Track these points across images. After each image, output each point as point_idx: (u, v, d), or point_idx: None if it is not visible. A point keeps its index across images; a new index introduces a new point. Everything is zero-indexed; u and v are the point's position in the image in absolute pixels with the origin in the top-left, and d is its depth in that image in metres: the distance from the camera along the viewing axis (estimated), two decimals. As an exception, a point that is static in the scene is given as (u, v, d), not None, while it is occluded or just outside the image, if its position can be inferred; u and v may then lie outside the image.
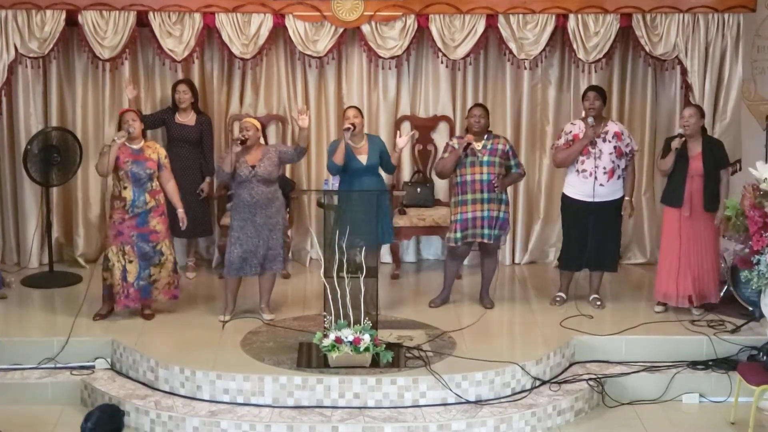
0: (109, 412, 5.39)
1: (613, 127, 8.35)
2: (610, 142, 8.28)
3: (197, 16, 8.82)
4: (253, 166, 7.92)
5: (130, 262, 7.99)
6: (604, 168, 8.26)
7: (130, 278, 8.00)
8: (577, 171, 8.32)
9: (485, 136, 8.27)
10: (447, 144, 8.43)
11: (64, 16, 8.72)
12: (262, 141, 8.10)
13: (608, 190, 8.29)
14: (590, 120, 8.26)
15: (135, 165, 7.93)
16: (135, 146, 7.98)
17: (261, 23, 8.86)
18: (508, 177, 8.34)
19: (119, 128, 8.01)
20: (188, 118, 9.00)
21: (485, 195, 8.21)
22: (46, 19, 8.71)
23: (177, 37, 8.84)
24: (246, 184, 7.93)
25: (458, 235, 8.27)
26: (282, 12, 8.83)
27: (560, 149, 8.39)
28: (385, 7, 8.84)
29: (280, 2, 8.80)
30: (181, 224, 8.14)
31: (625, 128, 8.52)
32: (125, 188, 7.94)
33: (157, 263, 8.04)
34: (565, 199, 8.47)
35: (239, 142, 7.90)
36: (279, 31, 9.00)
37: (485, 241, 8.29)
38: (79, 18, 8.73)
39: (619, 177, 8.32)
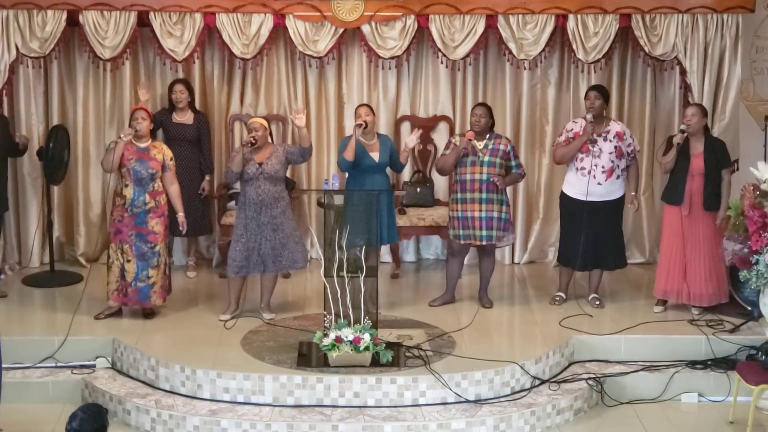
0: (92, 411, 5.39)
1: (615, 126, 8.38)
2: (611, 141, 8.30)
3: (198, 17, 8.83)
4: (260, 164, 7.93)
5: (128, 261, 8.00)
6: (603, 167, 8.29)
7: (128, 277, 8.00)
8: (576, 169, 8.36)
9: (487, 136, 8.30)
10: (449, 141, 8.46)
11: (65, 16, 8.74)
12: (269, 139, 8.11)
13: (606, 190, 8.32)
14: (589, 117, 8.29)
15: (138, 163, 7.93)
16: (141, 144, 8.00)
17: (261, 23, 8.88)
18: (509, 177, 8.35)
19: (131, 125, 8.02)
20: (186, 117, 9.03)
21: (484, 195, 8.23)
22: (47, 19, 8.73)
23: (178, 37, 8.86)
24: (253, 182, 7.93)
25: (461, 232, 8.30)
26: (282, 12, 8.85)
27: (560, 146, 8.43)
28: (385, 8, 8.86)
29: (281, 2, 8.81)
30: (180, 228, 8.16)
31: (627, 129, 8.55)
32: (126, 186, 7.95)
33: (155, 265, 8.04)
34: (563, 197, 8.51)
35: (249, 144, 7.91)
36: (279, 31, 9.02)
37: (483, 243, 8.32)
38: (80, 18, 8.75)
39: (618, 177, 8.35)
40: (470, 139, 8.19)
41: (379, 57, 9.04)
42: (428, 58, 9.42)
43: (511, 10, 8.84)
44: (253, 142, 7.90)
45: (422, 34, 9.05)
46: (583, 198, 8.31)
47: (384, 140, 8.43)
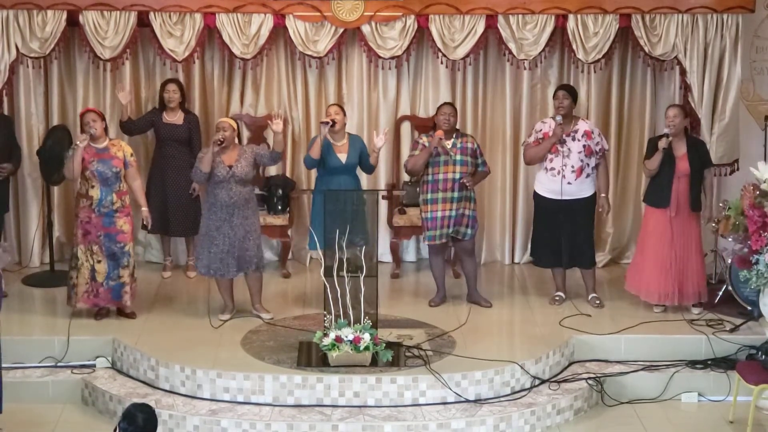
0: (149, 411, 5.43)
1: (583, 125, 8.40)
2: (579, 140, 8.32)
3: (198, 17, 8.83)
4: (230, 167, 7.93)
5: (99, 261, 7.99)
6: (572, 166, 8.30)
7: (99, 278, 8.00)
8: (546, 169, 8.38)
9: (454, 135, 8.32)
10: (416, 141, 8.47)
11: (65, 16, 8.74)
12: (236, 140, 8.11)
13: (576, 189, 8.33)
14: (558, 118, 8.31)
15: (100, 164, 7.94)
16: (99, 145, 8.00)
17: (261, 23, 8.88)
18: (477, 176, 8.40)
19: (82, 130, 8.02)
20: (176, 118, 9.00)
21: (456, 194, 8.26)
22: (47, 19, 8.73)
23: (178, 37, 8.86)
24: (224, 185, 7.93)
25: (437, 232, 8.31)
26: (282, 12, 8.85)
27: (530, 147, 8.46)
28: (385, 8, 8.86)
29: (281, 2, 8.81)
30: (145, 223, 8.17)
31: (596, 127, 8.57)
32: (92, 187, 7.95)
33: (126, 265, 8.03)
34: (536, 197, 8.53)
35: (218, 143, 7.91)
36: (279, 31, 9.02)
37: (460, 238, 8.33)
38: (80, 18, 8.75)
39: (588, 176, 8.36)
40: (441, 138, 8.20)
41: (379, 57, 9.04)
42: (428, 58, 9.42)
43: (511, 10, 8.84)
44: (221, 141, 7.90)
45: (422, 34, 9.05)
46: (557, 197, 8.32)
47: (354, 141, 8.40)
